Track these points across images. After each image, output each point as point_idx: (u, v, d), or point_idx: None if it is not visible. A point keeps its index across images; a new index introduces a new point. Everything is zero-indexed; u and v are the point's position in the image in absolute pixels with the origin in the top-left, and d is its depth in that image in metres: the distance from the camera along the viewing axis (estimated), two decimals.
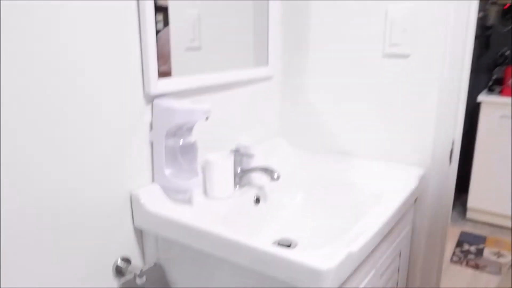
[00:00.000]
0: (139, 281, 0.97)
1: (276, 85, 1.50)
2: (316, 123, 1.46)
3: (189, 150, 1.07)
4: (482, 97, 2.84)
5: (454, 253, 2.62)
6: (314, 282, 0.74)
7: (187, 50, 1.11)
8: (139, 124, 1.00)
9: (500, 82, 3.04)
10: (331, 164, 1.38)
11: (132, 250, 1.03)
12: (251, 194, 1.19)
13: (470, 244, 2.75)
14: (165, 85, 1.03)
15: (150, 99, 1.01)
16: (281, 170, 1.36)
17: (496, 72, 3.07)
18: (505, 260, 2.55)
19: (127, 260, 1.00)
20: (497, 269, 2.45)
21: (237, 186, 1.20)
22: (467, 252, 2.65)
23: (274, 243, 1.14)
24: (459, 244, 2.74)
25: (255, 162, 1.26)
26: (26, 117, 0.76)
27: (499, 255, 2.61)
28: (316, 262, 0.74)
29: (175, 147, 1.05)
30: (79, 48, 0.83)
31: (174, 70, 1.07)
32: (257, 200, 1.20)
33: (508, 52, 3.11)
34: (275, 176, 1.15)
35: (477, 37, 3.07)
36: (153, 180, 1.05)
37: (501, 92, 2.92)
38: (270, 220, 1.21)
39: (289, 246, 1.12)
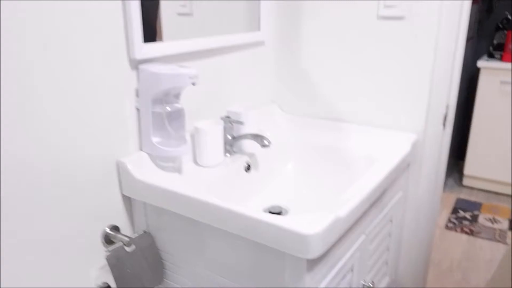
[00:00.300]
0: (128, 249, 0.97)
1: (270, 51, 1.46)
2: (310, 89, 1.43)
3: (177, 117, 1.04)
4: (482, 63, 2.79)
5: (449, 220, 2.64)
6: (301, 246, 0.74)
7: (178, 15, 1.07)
8: (125, 91, 0.97)
9: (501, 47, 2.98)
10: (324, 130, 1.36)
11: (121, 218, 1.02)
12: (242, 161, 1.18)
13: (466, 210, 2.76)
14: (151, 50, 0.99)
15: (136, 64, 0.98)
16: (274, 137, 1.35)
17: (496, 37, 3.00)
18: (499, 226, 2.57)
19: (115, 228, 1.00)
20: (492, 235, 2.47)
21: (228, 153, 1.19)
22: (463, 218, 2.66)
23: (265, 210, 1.13)
24: (455, 210, 2.76)
25: (247, 129, 1.24)
26: (5, 85, 0.74)
27: (494, 221, 2.63)
28: (302, 227, 0.73)
29: (163, 114, 1.02)
30: (59, 13, 0.80)
31: (164, 36, 1.04)
32: (248, 168, 1.19)
33: (510, 17, 3.04)
34: (266, 143, 1.13)
35: (479, 1, 2.99)
36: (141, 148, 1.04)
37: (501, 58, 2.86)
38: (261, 188, 1.20)
39: (279, 213, 1.12)
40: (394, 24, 1.22)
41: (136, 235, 1.00)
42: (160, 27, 1.03)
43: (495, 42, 3.00)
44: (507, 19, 3.01)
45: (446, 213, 2.72)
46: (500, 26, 3.03)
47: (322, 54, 1.37)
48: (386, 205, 1.18)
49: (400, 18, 1.21)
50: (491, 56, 2.96)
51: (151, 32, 1.00)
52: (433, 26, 1.17)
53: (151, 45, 1.00)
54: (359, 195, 0.91)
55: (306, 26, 1.38)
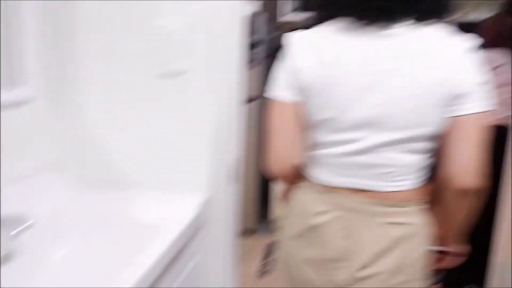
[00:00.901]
0: None
1: (42, 109, 1.25)
2: (94, 152, 1.28)
3: None
4: None
5: (260, 267, 2.71)
6: None
7: None
8: None
9: None
10: (109, 198, 1.21)
11: None
12: None
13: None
14: None
15: None
16: (45, 214, 1.13)
17: None
18: None
19: None
20: None
21: None
22: (273, 261, 2.76)
23: None
24: (266, 256, 2.85)
25: (4, 209, 1.00)
26: None
27: None
28: None
29: None
30: None
31: None
32: (4, 259, 0.95)
33: None
34: (27, 224, 0.92)
35: (271, 57, 3.31)
36: None
37: None
38: (26, 282, 0.96)
39: None
40: (174, 80, 1.18)
41: None
42: None
43: None
44: None
45: (258, 260, 2.79)
46: None
47: (105, 115, 1.25)
48: (180, 272, 1.08)
49: (179, 73, 1.18)
50: None
51: None
52: (214, 81, 1.17)
53: None
54: (135, 277, 0.78)
55: (85, 84, 1.24)
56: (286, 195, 1.10)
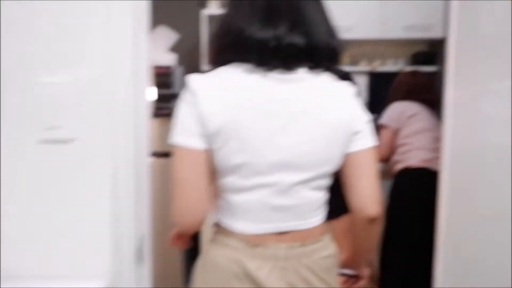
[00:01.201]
0: None
1: None
2: None
3: None
4: None
5: None
6: None
7: None
8: None
9: None
10: None
11: None
12: None
13: None
14: None
15: None
16: None
17: None
18: None
19: None
20: None
21: None
22: None
23: None
24: None
25: None
26: None
27: None
28: None
29: None
30: None
31: None
32: None
33: None
34: None
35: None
36: None
37: None
38: None
39: None
40: (61, 148, 1.01)
41: None
42: None
43: None
44: None
45: None
46: None
47: None
48: None
49: (67, 141, 1.01)
50: None
51: None
52: (108, 148, 1.01)
53: None
54: None
55: None
56: (178, 241, 1.05)
